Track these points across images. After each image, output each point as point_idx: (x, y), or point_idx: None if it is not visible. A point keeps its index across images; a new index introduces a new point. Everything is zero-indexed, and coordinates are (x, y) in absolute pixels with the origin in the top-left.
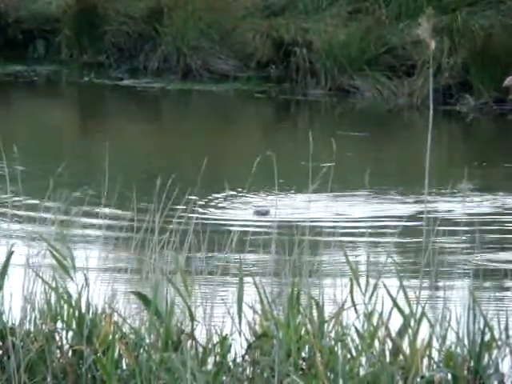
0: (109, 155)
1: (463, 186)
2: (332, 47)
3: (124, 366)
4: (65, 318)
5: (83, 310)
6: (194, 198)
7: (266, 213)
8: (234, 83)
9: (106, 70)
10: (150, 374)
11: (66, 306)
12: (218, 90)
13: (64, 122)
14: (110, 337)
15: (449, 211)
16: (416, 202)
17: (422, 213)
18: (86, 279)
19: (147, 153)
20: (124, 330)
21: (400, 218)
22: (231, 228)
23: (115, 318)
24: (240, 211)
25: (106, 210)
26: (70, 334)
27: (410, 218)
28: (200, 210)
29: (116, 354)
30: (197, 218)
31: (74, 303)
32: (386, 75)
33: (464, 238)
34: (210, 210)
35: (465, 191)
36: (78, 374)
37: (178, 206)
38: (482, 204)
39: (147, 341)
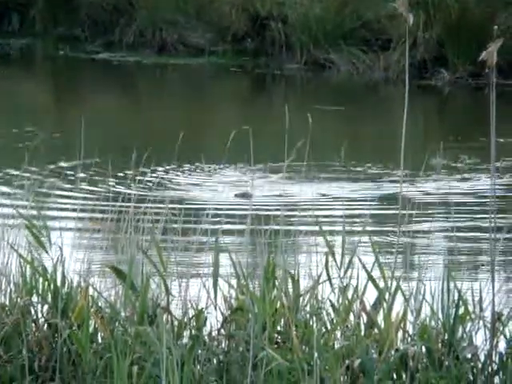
0: (84, 129)
1: (437, 161)
2: (307, 21)
3: (99, 340)
4: (40, 292)
5: (58, 284)
6: (170, 172)
7: (248, 196)
8: (209, 57)
9: (81, 44)
10: (126, 348)
11: (41, 280)
12: (193, 63)
13: (39, 95)
14: (86, 311)
15: (424, 188)
16: (391, 180)
17: (397, 189)
18: (62, 253)
19: (123, 126)
20: (99, 303)
21: (376, 195)
22: (207, 203)
23: (91, 291)
24: (215, 185)
25: (81, 183)
26: (46, 307)
27: (386, 195)
28: (175, 184)
29: (91, 328)
30: (172, 193)
31: (49, 277)
32: (361, 49)
33: (438, 214)
34: (186, 184)
35: (439, 167)
36: (53, 347)
37: (154, 179)
38: (456, 179)
39: (122, 315)
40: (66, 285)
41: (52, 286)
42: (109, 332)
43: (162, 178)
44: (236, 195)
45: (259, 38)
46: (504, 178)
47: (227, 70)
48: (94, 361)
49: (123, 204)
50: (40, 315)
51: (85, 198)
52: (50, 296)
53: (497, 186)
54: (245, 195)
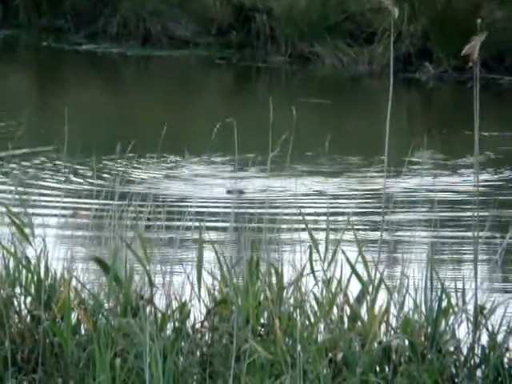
0: (68, 120)
1: (421, 154)
2: (292, 14)
3: (82, 332)
4: (23, 284)
5: (42, 276)
6: (153, 164)
7: (239, 192)
8: (194, 49)
9: (64, 35)
10: (109, 340)
11: (24, 272)
12: (178, 55)
13: (22, 86)
14: (68, 302)
15: (407, 182)
16: (375, 173)
17: (381, 182)
18: (45, 245)
19: (106, 118)
20: (83, 295)
21: (359, 189)
22: (191, 196)
23: (74, 283)
24: (199, 178)
25: (65, 174)
26: (29, 299)
27: (369, 189)
28: (159, 176)
29: (74, 320)
30: (156, 185)
31: (32, 269)
32: (346, 42)
33: (422, 208)
34: (169, 176)
35: (423, 160)
36: (35, 339)
37: (138, 172)
38: (441, 173)
39: (106, 306)
40: (50, 276)
41: (35, 277)
42: (92, 324)
43: (146, 170)
44: (228, 191)
45: (244, 30)
46: (488, 172)
47: (212, 63)
48: (76, 353)
49: (107, 196)
50: (23, 307)
51: (68, 190)
52: (33, 288)
53: (480, 180)
54: (237, 191)
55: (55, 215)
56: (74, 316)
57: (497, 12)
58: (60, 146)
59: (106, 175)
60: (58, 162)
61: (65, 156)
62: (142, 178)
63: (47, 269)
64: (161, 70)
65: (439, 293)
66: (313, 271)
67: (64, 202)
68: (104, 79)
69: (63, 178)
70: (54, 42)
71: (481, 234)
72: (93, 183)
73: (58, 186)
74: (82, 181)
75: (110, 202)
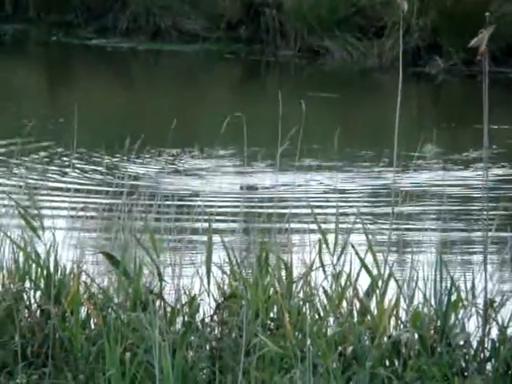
0: (78, 115)
1: (431, 148)
2: (302, 8)
3: (92, 326)
4: (33, 278)
5: (51, 270)
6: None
7: (254, 188)
8: (203, 44)
9: (74, 30)
10: (118, 334)
11: (34, 266)
12: (187, 50)
13: (32, 81)
14: (78, 297)
15: (416, 175)
16: (385, 167)
17: (391, 176)
18: (55, 239)
19: (116, 114)
20: (92, 290)
21: (369, 183)
22: (200, 191)
23: (83, 278)
24: (208, 173)
25: (75, 169)
26: (38, 293)
27: (379, 183)
28: (168, 171)
29: (84, 314)
30: (165, 180)
31: (42, 263)
32: (355, 36)
33: (431, 202)
34: (178, 171)
35: (432, 154)
36: (45, 333)
37: (148, 167)
38: (451, 168)
39: (115, 301)
40: (59, 271)
41: (45, 272)
42: (101, 318)
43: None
44: (241, 187)
45: (253, 24)
46: (497, 165)
47: (221, 57)
48: (86, 347)
49: (116, 191)
50: (33, 301)
51: (78, 184)
52: (42, 282)
53: (490, 174)
54: (250, 187)
55: (65, 209)
56: (83, 310)
57: (506, 6)
58: (70, 140)
59: (115, 170)
60: (67, 157)
61: (74, 151)
62: (151, 173)
63: (57, 263)
64: (170, 65)
65: (449, 286)
66: (322, 265)
67: (73, 197)
68: (114, 74)
69: (72, 173)
70: (64, 36)
71: (490, 227)
72: (102, 178)
73: (68, 180)
74: (91, 175)
75: (120, 196)
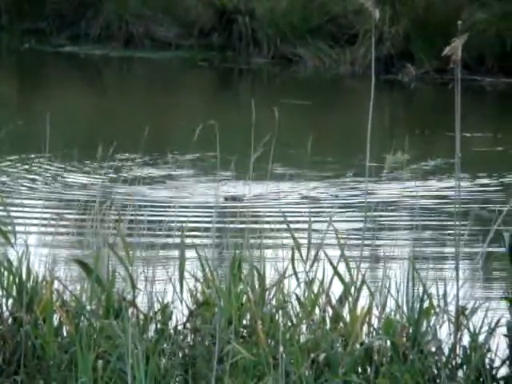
0: (50, 122)
1: (400, 155)
2: (274, 15)
3: (64, 334)
4: (5, 286)
5: (23, 277)
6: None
7: (237, 199)
8: (176, 51)
9: (46, 37)
10: (91, 342)
11: (6, 273)
12: (160, 57)
13: (4, 88)
14: (50, 304)
15: (388, 184)
16: (357, 175)
17: (363, 184)
18: (27, 246)
19: (89, 120)
20: (65, 297)
21: (341, 191)
22: (172, 199)
23: (56, 285)
24: (181, 181)
25: (47, 176)
26: (10, 301)
27: (351, 191)
28: (140, 178)
29: (56, 322)
30: (137, 188)
31: (14, 270)
32: (328, 44)
33: (405, 211)
34: (150, 179)
35: (403, 162)
36: (17, 341)
37: (120, 174)
38: (422, 175)
39: (88, 308)
40: (31, 278)
41: (17, 279)
42: (74, 326)
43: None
44: (226, 198)
45: (226, 32)
46: (468, 173)
47: (194, 65)
48: (58, 355)
49: (89, 198)
50: (4, 309)
51: (50, 192)
52: (14, 289)
53: (462, 182)
54: (234, 198)
55: (37, 216)
56: (55, 318)
57: (477, 14)
58: (41, 146)
59: (87, 177)
60: (39, 164)
61: (47, 158)
62: (123, 180)
63: (29, 271)
64: (143, 72)
65: (421, 293)
66: (295, 273)
67: (46, 204)
68: (86, 81)
69: (45, 180)
70: (37, 44)
71: (462, 235)
72: (75, 185)
73: (40, 187)
74: (63, 182)
75: (92, 204)
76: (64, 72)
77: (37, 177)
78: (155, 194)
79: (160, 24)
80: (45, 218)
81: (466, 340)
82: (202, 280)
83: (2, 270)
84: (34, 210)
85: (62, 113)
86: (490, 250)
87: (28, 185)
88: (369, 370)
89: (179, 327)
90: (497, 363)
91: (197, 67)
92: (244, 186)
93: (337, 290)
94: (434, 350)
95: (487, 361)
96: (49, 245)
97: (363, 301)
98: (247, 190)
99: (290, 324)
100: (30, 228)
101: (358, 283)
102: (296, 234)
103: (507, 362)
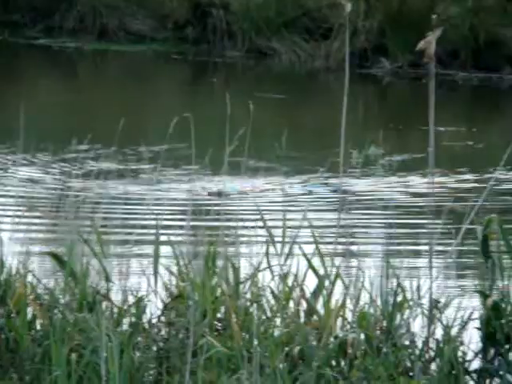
0: (24, 115)
1: (374, 150)
2: (249, 9)
3: (38, 327)
4: None
5: None
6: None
7: (221, 195)
8: (150, 44)
9: (20, 29)
10: (65, 335)
11: None
12: (134, 50)
13: None
14: (24, 297)
15: (363, 178)
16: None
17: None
18: (0, 239)
19: (63, 113)
20: (38, 290)
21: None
22: (147, 193)
23: (29, 278)
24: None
25: (20, 169)
26: None
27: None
28: (115, 172)
29: (30, 315)
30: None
31: None
32: (302, 38)
33: (378, 204)
34: (125, 172)
35: (377, 157)
36: None
37: (94, 166)
38: (395, 168)
39: (62, 301)
40: (5, 272)
41: None
42: (47, 319)
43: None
44: (209, 193)
45: (201, 25)
46: (441, 167)
47: (168, 58)
48: (32, 348)
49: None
50: None
51: (24, 184)
52: None
53: (436, 176)
54: (218, 194)
55: (10, 209)
56: (29, 311)
57: (451, 8)
58: (15, 140)
59: (61, 170)
60: (13, 157)
61: (20, 150)
62: (98, 173)
63: (2, 264)
64: (117, 65)
65: (395, 287)
66: (269, 266)
67: (19, 197)
68: (60, 74)
69: (19, 173)
70: (10, 36)
71: (435, 229)
72: (49, 178)
73: (14, 180)
74: (38, 175)
75: (67, 197)
76: (37, 65)
77: (9, 169)
78: (128, 188)
79: (134, 17)
80: (18, 210)
81: (439, 333)
82: (176, 273)
83: None
84: (7, 204)
85: (34, 105)
86: (463, 243)
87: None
88: (343, 363)
89: (153, 320)
90: (469, 356)
91: (171, 60)
92: (218, 179)
93: (311, 283)
94: (407, 343)
95: (460, 354)
96: (22, 238)
97: (337, 294)
98: (221, 184)
99: (264, 317)
100: (2, 220)
101: (333, 277)
102: (271, 229)
103: (480, 355)
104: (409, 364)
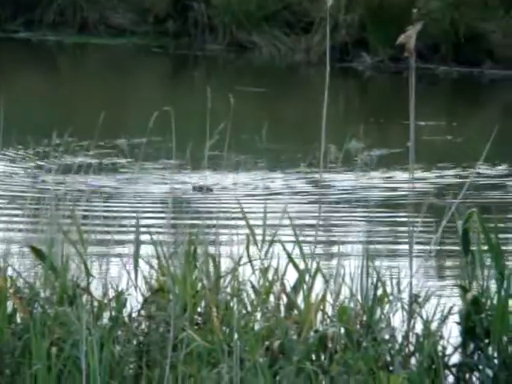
0: (3, 108)
1: (355, 144)
2: (230, 2)
3: (18, 321)
4: None
5: None
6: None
7: (206, 189)
8: (131, 38)
9: (0, 23)
10: (45, 329)
11: None
12: (115, 44)
13: None
14: (4, 291)
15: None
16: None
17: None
18: None
19: (43, 106)
20: (18, 284)
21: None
22: (127, 187)
23: (10, 272)
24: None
25: (1, 162)
26: None
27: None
28: (95, 165)
29: (10, 309)
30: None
31: None
32: (283, 31)
33: (358, 198)
34: (105, 166)
35: (357, 150)
36: None
37: (75, 161)
38: (376, 162)
39: (42, 295)
40: None
41: None
42: (28, 313)
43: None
44: (194, 188)
45: (181, 19)
46: (422, 161)
47: (149, 51)
48: (12, 341)
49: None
50: None
51: (5, 178)
52: None
53: (415, 169)
54: (203, 188)
55: None
56: (9, 305)
57: (432, 3)
58: None
59: (42, 163)
60: None
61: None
62: (78, 167)
63: None
64: (98, 58)
65: (375, 281)
66: (250, 260)
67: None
68: (40, 67)
69: None
70: None
71: (416, 223)
72: (29, 171)
73: None
74: (18, 168)
75: (47, 190)
76: (18, 57)
77: None
78: (108, 182)
79: (115, 10)
80: None
81: (418, 327)
82: (156, 267)
83: None
84: None
85: (14, 98)
86: (443, 238)
87: None
88: (323, 357)
89: (134, 314)
90: (449, 350)
91: (152, 54)
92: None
93: (291, 277)
94: (387, 337)
95: (440, 348)
96: (2, 231)
97: (318, 288)
98: (203, 178)
99: (244, 311)
100: None
101: (313, 271)
102: (251, 221)
103: (459, 350)
104: (389, 358)
